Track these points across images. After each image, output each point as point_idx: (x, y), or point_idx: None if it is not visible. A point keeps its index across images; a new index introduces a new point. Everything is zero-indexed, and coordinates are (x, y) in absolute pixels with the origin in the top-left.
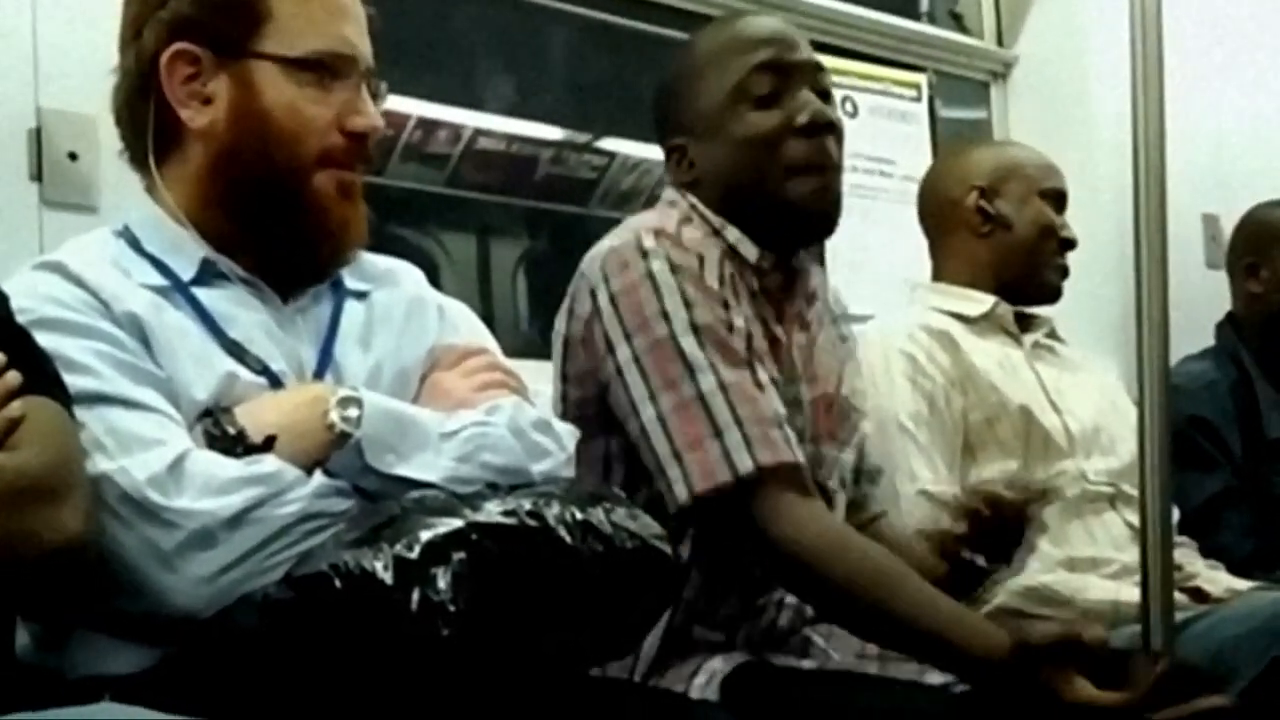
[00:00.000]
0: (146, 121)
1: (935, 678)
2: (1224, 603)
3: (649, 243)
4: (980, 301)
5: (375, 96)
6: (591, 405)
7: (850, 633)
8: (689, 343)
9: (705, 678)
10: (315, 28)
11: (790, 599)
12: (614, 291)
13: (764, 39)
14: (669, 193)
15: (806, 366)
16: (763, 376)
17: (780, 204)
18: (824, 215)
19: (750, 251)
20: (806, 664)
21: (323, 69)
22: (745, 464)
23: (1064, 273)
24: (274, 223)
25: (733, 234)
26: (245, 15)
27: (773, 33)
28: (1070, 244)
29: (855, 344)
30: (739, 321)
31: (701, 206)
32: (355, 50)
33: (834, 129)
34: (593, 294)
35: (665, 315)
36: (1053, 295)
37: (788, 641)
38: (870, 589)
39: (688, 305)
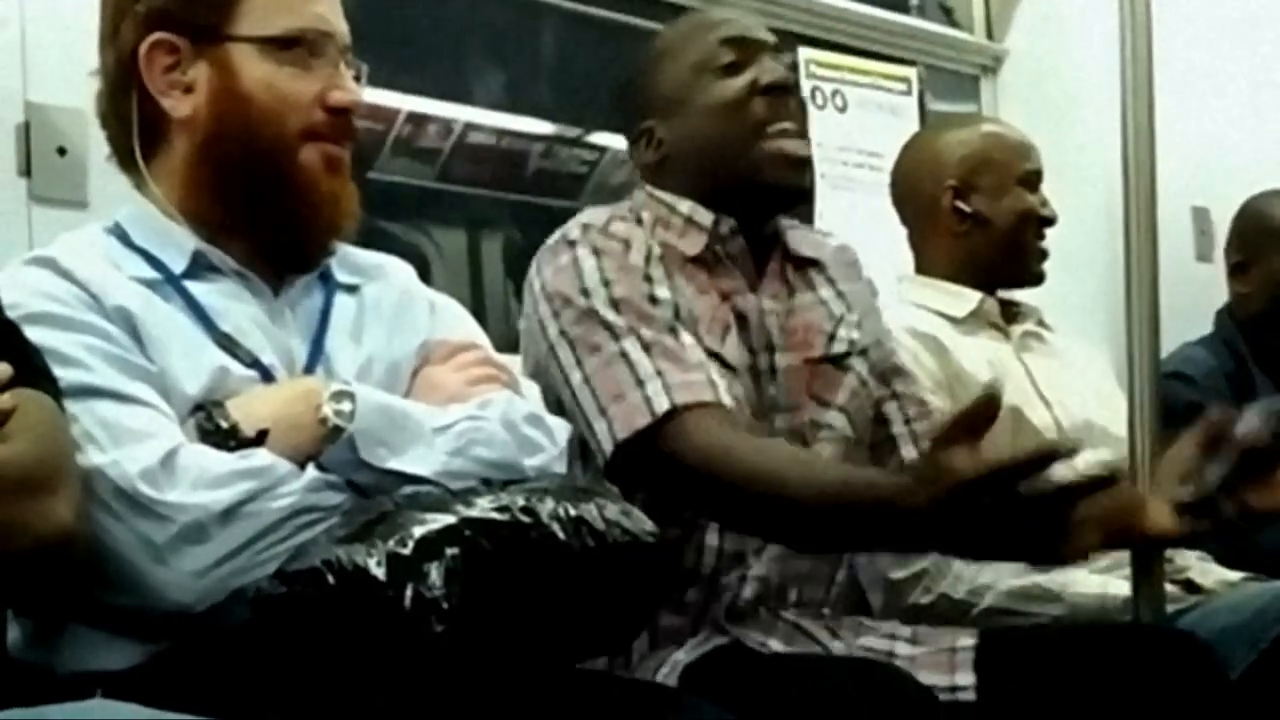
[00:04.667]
0: (131, 118)
1: (904, 648)
2: (1215, 594)
3: (574, 234)
4: (966, 299)
5: (356, 76)
6: (551, 393)
7: (784, 544)
8: (610, 313)
9: (669, 669)
10: (289, 6)
11: (753, 571)
12: (544, 279)
13: (725, 19)
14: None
15: (785, 334)
16: (686, 339)
17: (751, 165)
18: (796, 175)
19: (705, 218)
20: (774, 643)
21: (300, 46)
22: (662, 405)
23: (1044, 256)
24: (264, 202)
25: (685, 206)
26: (218, 0)
27: (733, 16)
28: (1050, 222)
29: (872, 291)
30: (664, 293)
31: (658, 192)
32: (331, 27)
33: (798, 92)
34: (530, 287)
35: (585, 292)
36: (1034, 281)
37: (754, 617)
38: (772, 479)
39: (606, 283)
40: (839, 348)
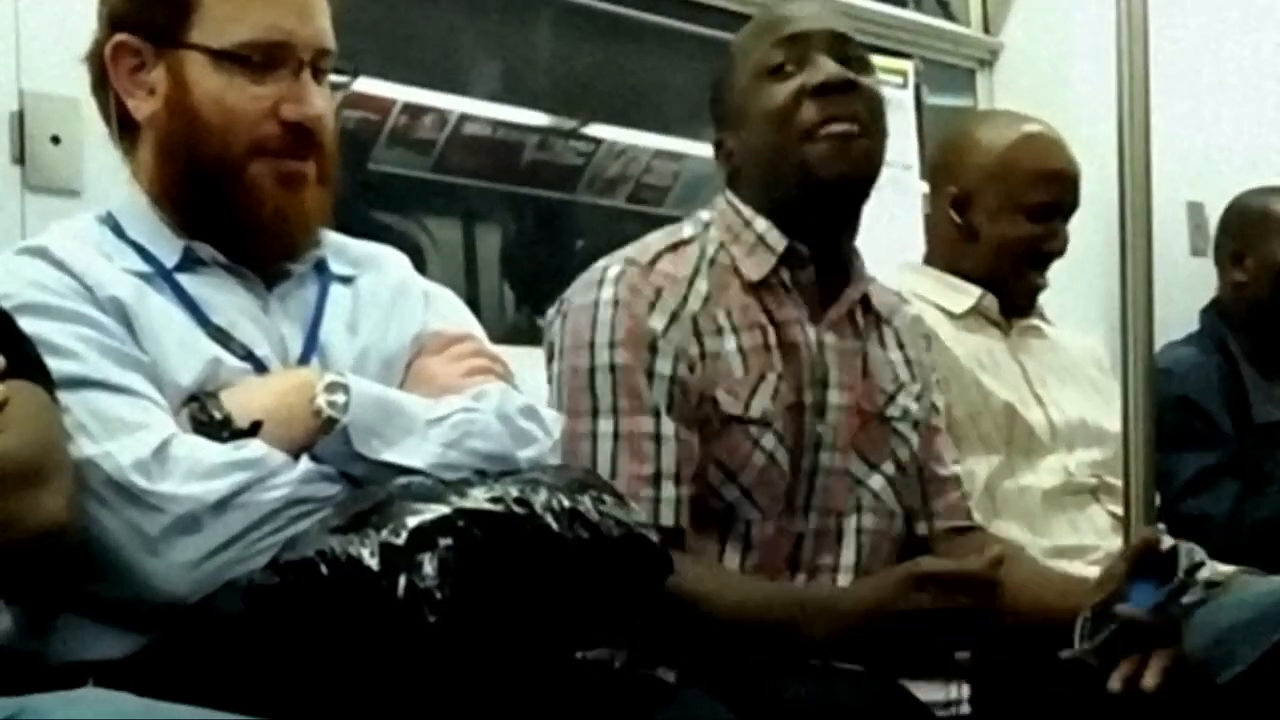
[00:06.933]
0: (109, 111)
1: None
2: (1216, 587)
3: (612, 271)
4: (965, 294)
5: (343, 74)
6: None
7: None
8: (601, 380)
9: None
10: (244, 16)
11: None
12: (567, 309)
13: (781, 18)
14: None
15: (842, 373)
16: (667, 429)
17: (799, 171)
18: (843, 176)
19: (778, 241)
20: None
21: (251, 59)
22: None
23: (1035, 290)
24: (212, 212)
25: (761, 224)
26: (174, 6)
27: (790, 11)
28: (1051, 256)
29: (932, 370)
30: (665, 369)
31: (736, 201)
32: (291, 37)
33: (854, 87)
34: (560, 304)
35: (591, 346)
36: (1024, 308)
37: None
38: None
39: (612, 345)
40: (894, 412)
